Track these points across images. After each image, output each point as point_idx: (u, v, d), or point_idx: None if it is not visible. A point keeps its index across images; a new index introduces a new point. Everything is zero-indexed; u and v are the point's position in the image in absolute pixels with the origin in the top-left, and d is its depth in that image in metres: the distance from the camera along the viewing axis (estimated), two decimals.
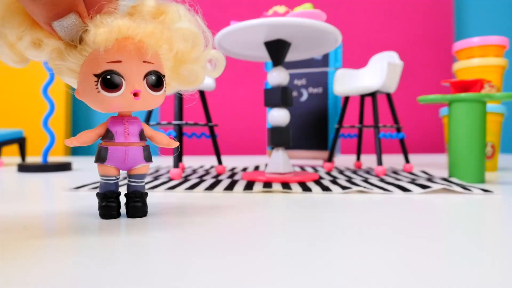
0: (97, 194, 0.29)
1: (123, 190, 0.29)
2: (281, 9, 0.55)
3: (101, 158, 0.27)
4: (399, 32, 1.50)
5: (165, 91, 0.28)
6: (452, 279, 0.16)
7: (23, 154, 0.94)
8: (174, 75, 0.29)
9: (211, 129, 0.68)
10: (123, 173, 0.44)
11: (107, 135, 0.27)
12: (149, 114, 0.66)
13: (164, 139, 0.30)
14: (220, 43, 0.57)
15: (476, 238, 0.23)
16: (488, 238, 0.23)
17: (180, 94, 0.60)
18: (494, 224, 0.27)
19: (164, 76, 0.27)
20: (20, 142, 0.94)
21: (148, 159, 0.29)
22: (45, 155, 0.76)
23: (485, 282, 0.16)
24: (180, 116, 0.59)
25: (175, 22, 0.27)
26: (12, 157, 1.29)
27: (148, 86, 0.26)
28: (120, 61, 0.25)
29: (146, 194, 0.30)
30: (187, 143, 1.47)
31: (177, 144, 0.30)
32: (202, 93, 0.68)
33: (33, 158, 1.11)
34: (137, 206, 0.29)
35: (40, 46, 0.24)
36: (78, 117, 1.57)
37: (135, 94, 0.26)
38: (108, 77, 0.25)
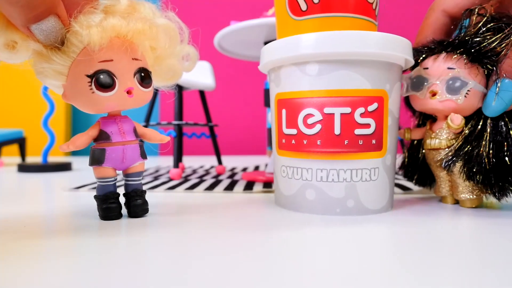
0: (96, 197, 0.28)
1: (120, 191, 0.29)
2: None
3: (97, 161, 0.27)
4: (399, 32, 1.49)
5: (153, 87, 0.28)
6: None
7: (23, 154, 0.94)
8: (152, 72, 0.29)
9: (211, 129, 0.68)
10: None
11: (102, 137, 0.27)
12: (149, 114, 0.66)
13: (157, 135, 0.30)
14: (220, 43, 0.57)
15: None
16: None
17: (180, 94, 0.60)
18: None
19: (151, 72, 0.28)
20: (20, 142, 0.94)
21: (144, 156, 0.29)
22: (45, 155, 0.76)
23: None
24: (180, 116, 0.59)
25: (153, 19, 0.27)
26: (12, 157, 1.29)
27: (139, 83, 0.27)
28: (111, 60, 0.25)
29: (145, 191, 0.30)
30: (187, 143, 1.47)
31: (168, 138, 0.31)
32: (202, 93, 0.68)
33: (33, 158, 1.11)
34: (139, 204, 0.29)
35: (14, 48, 0.23)
36: (78, 117, 1.57)
37: (129, 92, 0.26)
38: (102, 76, 0.25)
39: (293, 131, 0.30)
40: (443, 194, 0.35)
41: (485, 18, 0.32)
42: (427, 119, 0.37)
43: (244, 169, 0.74)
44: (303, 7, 0.30)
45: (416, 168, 0.39)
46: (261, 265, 0.18)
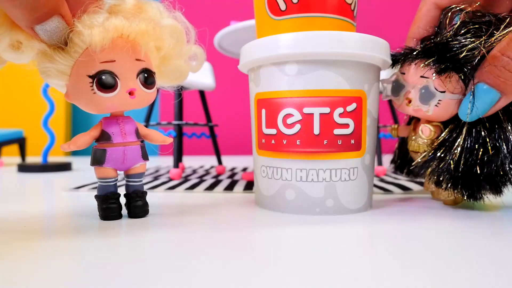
0: (97, 197, 0.28)
1: (120, 191, 0.29)
2: None
3: (98, 161, 0.27)
4: (399, 32, 1.50)
5: (156, 88, 0.28)
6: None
7: (23, 154, 0.94)
8: (158, 72, 0.29)
9: (211, 129, 0.68)
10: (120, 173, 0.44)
11: (103, 137, 0.27)
12: (149, 114, 0.66)
13: (159, 136, 0.30)
14: (220, 43, 0.57)
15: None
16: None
17: (180, 94, 0.60)
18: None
19: (154, 73, 0.27)
20: (20, 142, 0.94)
21: (146, 157, 0.29)
22: (45, 155, 0.76)
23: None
24: (180, 116, 0.59)
25: (158, 19, 0.27)
26: (12, 157, 1.29)
27: (142, 84, 0.26)
28: (114, 61, 0.25)
29: (146, 192, 0.30)
30: (187, 143, 1.46)
31: (171, 140, 0.30)
32: (202, 93, 0.68)
33: (33, 158, 1.12)
34: (139, 206, 0.29)
35: (19, 48, 0.23)
36: (78, 117, 1.57)
37: (131, 93, 0.26)
38: (104, 77, 0.25)
39: (273, 131, 0.30)
40: (431, 189, 0.36)
41: (464, 19, 0.30)
42: (414, 117, 0.37)
43: (244, 169, 0.74)
44: (282, 7, 0.30)
45: (405, 163, 0.40)
46: (261, 266, 0.18)
